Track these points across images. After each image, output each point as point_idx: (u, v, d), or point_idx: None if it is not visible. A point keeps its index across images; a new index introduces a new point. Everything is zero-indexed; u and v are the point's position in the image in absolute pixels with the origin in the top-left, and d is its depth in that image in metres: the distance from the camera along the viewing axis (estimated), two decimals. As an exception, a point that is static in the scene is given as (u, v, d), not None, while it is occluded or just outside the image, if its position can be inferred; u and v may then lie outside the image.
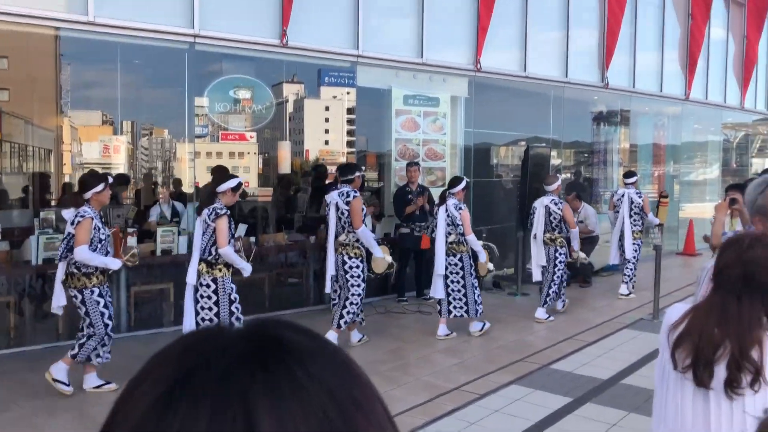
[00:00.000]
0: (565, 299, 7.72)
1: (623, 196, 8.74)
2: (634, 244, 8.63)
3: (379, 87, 8.73)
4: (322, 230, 7.90)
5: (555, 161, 10.96)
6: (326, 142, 9.84)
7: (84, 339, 4.82)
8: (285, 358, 0.49)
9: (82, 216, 4.69)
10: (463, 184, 6.66)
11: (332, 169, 9.27)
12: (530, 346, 6.25)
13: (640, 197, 8.70)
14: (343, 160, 9.15)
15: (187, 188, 7.50)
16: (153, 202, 7.71)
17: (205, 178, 8.24)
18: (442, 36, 8.96)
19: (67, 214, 4.85)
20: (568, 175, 11.90)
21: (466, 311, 6.59)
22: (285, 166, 9.29)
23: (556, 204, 7.39)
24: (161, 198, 7.66)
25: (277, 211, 8.69)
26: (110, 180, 5.00)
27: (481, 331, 6.68)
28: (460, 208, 6.56)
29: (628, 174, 9.07)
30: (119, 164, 8.21)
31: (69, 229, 4.78)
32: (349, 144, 9.38)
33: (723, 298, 1.83)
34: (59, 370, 4.80)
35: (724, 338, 1.80)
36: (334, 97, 9.35)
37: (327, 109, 9.62)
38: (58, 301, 4.91)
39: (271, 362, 0.48)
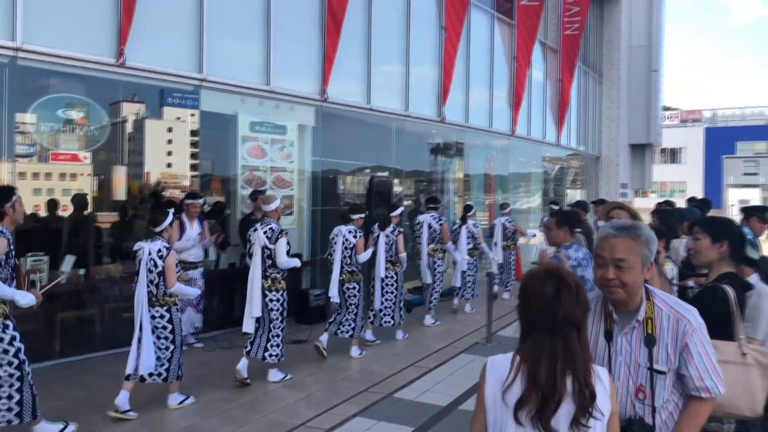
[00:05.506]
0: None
1: (495, 225, 11.31)
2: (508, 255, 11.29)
3: (225, 112, 8.58)
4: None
5: (397, 189, 11.44)
6: (169, 165, 9.39)
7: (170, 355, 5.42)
8: None
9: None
10: (474, 210, 9.83)
11: (171, 193, 8.89)
12: (374, 374, 6.44)
13: (511, 223, 11.32)
14: (186, 183, 8.81)
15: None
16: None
17: (31, 200, 7.49)
18: (289, 64, 9.02)
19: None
20: (410, 202, 12.46)
21: (473, 294, 9.86)
22: (121, 190, 8.73)
23: (510, 222, 11.14)
24: None
25: (113, 240, 8.13)
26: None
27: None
28: (477, 226, 9.80)
29: (504, 205, 11.70)
30: None
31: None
32: (193, 167, 9.06)
33: (566, 336, 1.91)
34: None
35: (567, 376, 1.88)
36: (178, 118, 8.95)
37: (170, 130, 9.16)
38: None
39: None
